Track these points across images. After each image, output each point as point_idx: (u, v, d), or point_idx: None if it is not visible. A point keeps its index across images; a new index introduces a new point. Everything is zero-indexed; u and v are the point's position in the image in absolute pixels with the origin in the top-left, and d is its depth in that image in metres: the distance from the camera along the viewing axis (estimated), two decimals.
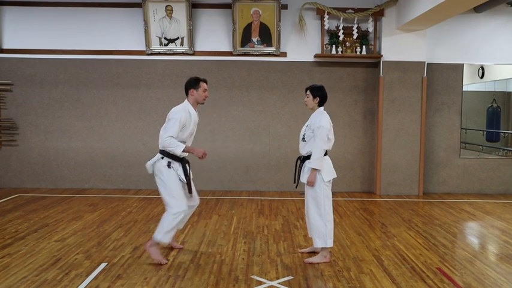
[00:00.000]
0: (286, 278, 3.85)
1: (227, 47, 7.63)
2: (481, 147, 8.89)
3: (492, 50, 7.65)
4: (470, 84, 8.65)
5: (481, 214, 6.34)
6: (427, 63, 7.52)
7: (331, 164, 4.32)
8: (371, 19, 7.32)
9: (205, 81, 4.32)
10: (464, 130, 8.29)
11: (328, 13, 7.31)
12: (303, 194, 4.58)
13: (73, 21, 7.61)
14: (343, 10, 7.32)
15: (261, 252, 4.54)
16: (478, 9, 7.37)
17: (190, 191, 4.28)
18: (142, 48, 7.61)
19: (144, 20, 7.43)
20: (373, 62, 7.63)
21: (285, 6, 7.51)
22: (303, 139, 4.30)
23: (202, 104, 4.37)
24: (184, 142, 4.16)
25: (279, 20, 7.41)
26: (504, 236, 5.27)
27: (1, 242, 4.76)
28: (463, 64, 7.67)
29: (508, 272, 4.11)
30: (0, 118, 7.71)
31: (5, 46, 7.67)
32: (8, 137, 7.75)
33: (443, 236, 5.20)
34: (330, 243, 4.23)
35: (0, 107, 7.70)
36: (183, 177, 4.18)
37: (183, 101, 4.32)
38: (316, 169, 4.15)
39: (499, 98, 9.08)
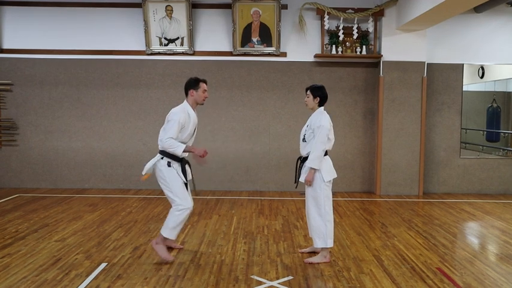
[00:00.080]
0: (286, 278, 3.85)
1: (227, 47, 7.63)
2: (481, 147, 8.89)
3: (492, 50, 7.66)
4: (470, 84, 8.64)
5: (481, 214, 6.34)
6: (427, 63, 7.52)
7: (332, 164, 4.32)
8: (371, 19, 7.32)
9: (205, 81, 4.32)
10: (464, 130, 8.29)
11: (328, 13, 7.31)
12: (303, 194, 4.58)
13: (73, 21, 7.61)
14: (343, 10, 7.33)
15: (261, 252, 4.54)
16: (478, 9, 7.37)
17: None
18: (143, 48, 7.61)
19: (144, 20, 7.43)
20: (373, 62, 7.63)
21: (285, 6, 7.51)
22: (304, 139, 4.30)
23: (202, 104, 4.37)
24: (184, 143, 4.17)
25: (279, 20, 7.41)
26: (504, 236, 5.27)
27: (1, 242, 4.76)
28: (463, 64, 7.67)
29: (508, 272, 4.11)
30: (0, 118, 7.71)
31: (5, 46, 7.67)
32: (8, 137, 7.75)
33: (443, 236, 5.20)
34: (330, 243, 4.23)
35: (0, 107, 7.70)
36: (182, 177, 4.20)
37: (183, 101, 4.32)
38: (314, 168, 4.15)
39: (499, 98, 9.07)
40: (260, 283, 3.75)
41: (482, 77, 8.92)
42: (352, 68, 7.67)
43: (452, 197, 7.44)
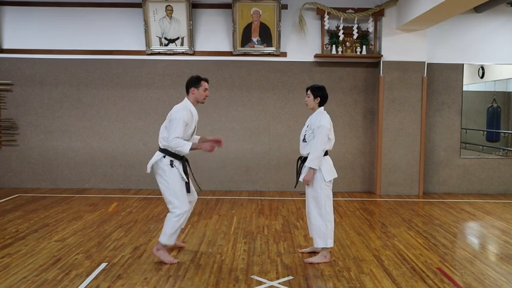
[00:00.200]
0: (286, 278, 3.85)
1: (227, 47, 7.63)
2: (481, 147, 8.89)
3: (492, 50, 7.65)
4: (470, 84, 8.65)
5: (481, 214, 6.34)
6: (427, 63, 7.52)
7: (332, 163, 4.32)
8: (371, 19, 7.32)
9: (206, 80, 4.32)
10: (464, 130, 8.29)
11: (328, 13, 7.31)
12: (303, 194, 4.58)
13: (73, 21, 7.61)
14: (343, 10, 7.32)
15: (261, 252, 4.54)
16: (478, 9, 7.37)
17: (188, 191, 4.27)
18: (143, 48, 7.61)
19: (144, 20, 7.43)
20: (373, 62, 7.63)
21: (285, 6, 7.51)
22: (304, 140, 4.30)
23: (203, 103, 4.37)
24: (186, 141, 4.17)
25: (279, 20, 7.40)
26: (504, 236, 5.27)
27: (1, 242, 4.76)
28: (463, 64, 7.67)
29: (508, 272, 4.11)
30: (0, 118, 7.71)
31: (5, 46, 7.67)
32: (8, 137, 7.75)
33: (444, 236, 5.20)
34: (330, 243, 4.23)
35: (0, 107, 7.70)
36: (184, 176, 4.19)
37: (182, 101, 4.31)
38: (313, 168, 4.15)
39: (499, 98, 9.07)
40: (260, 283, 3.75)
41: (482, 77, 8.92)
42: (352, 68, 7.67)
43: (453, 197, 7.44)
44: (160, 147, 4.22)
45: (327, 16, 7.33)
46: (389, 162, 7.52)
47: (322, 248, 4.26)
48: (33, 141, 7.77)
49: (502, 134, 8.96)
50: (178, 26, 7.48)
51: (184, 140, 4.13)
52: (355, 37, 7.37)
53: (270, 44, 7.53)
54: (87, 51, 7.65)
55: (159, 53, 7.61)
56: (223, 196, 7.32)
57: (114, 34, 7.64)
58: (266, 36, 7.50)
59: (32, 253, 4.43)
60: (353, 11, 7.32)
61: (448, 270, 4.11)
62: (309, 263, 4.21)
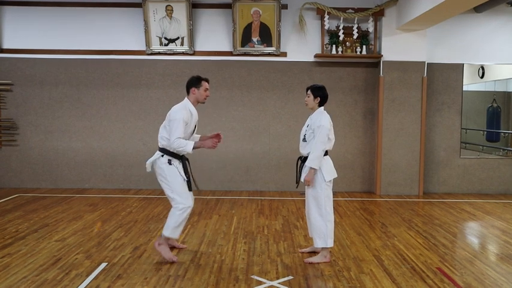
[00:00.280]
0: (286, 278, 3.85)
1: (227, 47, 7.63)
2: (481, 147, 8.89)
3: (492, 50, 7.65)
4: (470, 84, 8.65)
5: (481, 214, 6.34)
6: (427, 63, 7.52)
7: (332, 163, 4.32)
8: (371, 19, 7.32)
9: (207, 80, 4.32)
10: (464, 130, 8.29)
11: (329, 13, 7.31)
12: (303, 194, 4.58)
13: (73, 21, 7.61)
14: (343, 10, 7.32)
15: (261, 252, 4.54)
16: (478, 9, 7.37)
17: (190, 189, 4.27)
18: (143, 48, 7.61)
19: (144, 20, 7.43)
20: (373, 62, 7.63)
21: (285, 6, 7.51)
22: (304, 139, 4.30)
23: (203, 103, 4.37)
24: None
25: (279, 20, 7.40)
26: (504, 236, 5.27)
27: (1, 242, 4.76)
28: (463, 64, 7.67)
29: (508, 272, 4.11)
30: (0, 118, 7.71)
31: (5, 46, 7.67)
32: (8, 137, 7.74)
33: (444, 236, 5.20)
34: (330, 243, 4.23)
35: (0, 107, 7.70)
36: (183, 174, 4.19)
37: (182, 101, 4.31)
38: (314, 168, 4.15)
39: (499, 98, 9.08)
40: (260, 283, 3.75)
41: (482, 77, 8.92)
42: (352, 68, 7.67)
43: (453, 197, 7.44)
44: (159, 147, 4.22)
45: (327, 16, 7.33)
46: (389, 162, 7.52)
47: (322, 248, 4.26)
48: (33, 141, 7.77)
49: (502, 134, 8.96)
50: (178, 26, 7.48)
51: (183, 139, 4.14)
52: (355, 37, 7.37)
53: (270, 44, 7.53)
54: (87, 51, 7.65)
55: (159, 53, 7.61)
56: (223, 196, 7.32)
57: (114, 34, 7.64)
58: (266, 36, 7.50)
59: (32, 253, 4.43)
60: (353, 11, 7.32)
61: (448, 270, 4.11)
62: (309, 263, 4.21)
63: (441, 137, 7.72)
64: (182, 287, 3.66)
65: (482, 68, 8.82)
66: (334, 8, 7.30)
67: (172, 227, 4.16)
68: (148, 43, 7.52)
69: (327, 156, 4.29)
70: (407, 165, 7.52)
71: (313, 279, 3.86)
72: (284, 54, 7.62)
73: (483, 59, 7.80)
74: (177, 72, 7.64)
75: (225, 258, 4.33)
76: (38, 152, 7.78)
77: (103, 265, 4.11)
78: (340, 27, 7.35)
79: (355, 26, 7.30)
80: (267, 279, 3.81)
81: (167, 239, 4.25)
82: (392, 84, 7.44)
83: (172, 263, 4.17)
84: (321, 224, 4.22)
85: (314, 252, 4.44)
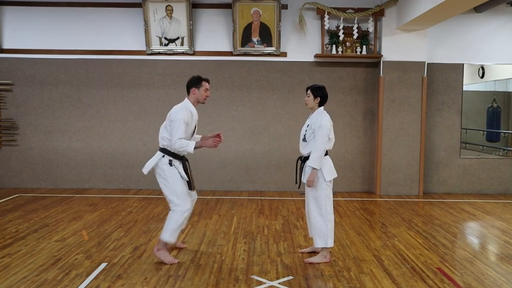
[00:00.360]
0: (286, 278, 3.85)
1: (227, 47, 7.63)
2: (481, 147, 8.89)
3: (492, 50, 7.65)
4: (470, 84, 8.64)
5: (481, 214, 6.34)
6: (427, 63, 7.52)
7: (332, 163, 4.32)
8: (371, 19, 7.32)
9: (207, 80, 4.32)
10: (464, 130, 8.29)
11: (329, 13, 7.31)
12: (303, 194, 4.58)
13: (73, 21, 7.61)
14: (343, 10, 7.32)
15: (261, 252, 4.54)
16: (478, 9, 7.37)
17: (190, 188, 4.27)
18: (143, 48, 7.61)
19: (144, 20, 7.43)
20: (373, 62, 7.63)
21: (285, 6, 7.51)
22: (304, 139, 4.30)
23: (203, 103, 4.37)
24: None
25: (279, 20, 7.40)
26: (504, 236, 5.27)
27: (1, 242, 4.76)
28: (463, 64, 7.67)
29: (508, 272, 4.11)
30: (0, 118, 7.71)
31: (5, 46, 7.67)
32: (8, 137, 7.75)
33: (444, 236, 5.20)
34: (330, 243, 4.23)
35: (0, 107, 7.70)
36: (184, 174, 4.19)
37: (183, 101, 4.31)
38: (315, 169, 4.16)
39: (499, 98, 9.07)
40: (260, 283, 3.75)
41: (482, 77, 8.92)
42: (352, 68, 7.67)
43: (453, 197, 7.44)
44: (160, 147, 4.22)
45: (327, 16, 7.33)
46: (389, 162, 7.52)
47: (322, 248, 4.27)
48: (33, 141, 7.77)
49: (502, 134, 8.96)
50: (178, 26, 7.48)
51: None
52: (355, 37, 7.37)
53: (270, 44, 7.53)
54: (87, 51, 7.66)
55: (159, 53, 7.61)
56: (223, 196, 7.32)
57: (114, 34, 7.64)
58: (266, 36, 7.50)
59: (32, 253, 4.43)
60: (353, 11, 7.32)
61: (448, 270, 4.11)
62: (309, 263, 4.21)
63: (441, 137, 7.72)
64: (182, 287, 3.66)
65: (482, 68, 8.82)
66: (334, 8, 7.30)
67: (171, 230, 4.14)
68: (148, 43, 7.52)
69: (327, 156, 4.29)
70: (407, 165, 7.52)
71: (313, 279, 3.86)
72: (284, 54, 7.62)
73: (483, 59, 7.80)
74: (177, 72, 7.64)
75: (225, 258, 4.33)
76: (38, 152, 7.78)
77: (103, 265, 4.11)
78: (340, 27, 7.35)
79: (355, 26, 7.30)
80: (267, 279, 3.81)
81: (165, 243, 4.23)
82: (392, 84, 7.44)
83: (173, 264, 4.17)
84: (321, 224, 4.22)
85: (314, 252, 4.45)
